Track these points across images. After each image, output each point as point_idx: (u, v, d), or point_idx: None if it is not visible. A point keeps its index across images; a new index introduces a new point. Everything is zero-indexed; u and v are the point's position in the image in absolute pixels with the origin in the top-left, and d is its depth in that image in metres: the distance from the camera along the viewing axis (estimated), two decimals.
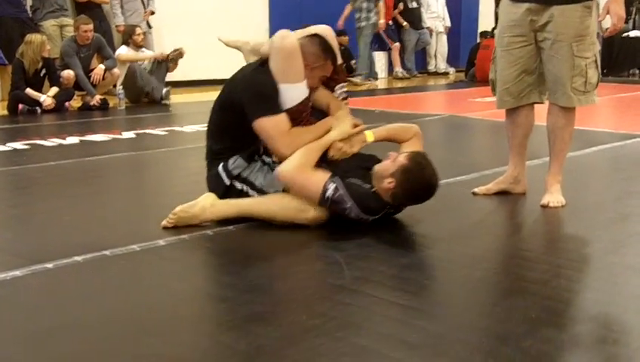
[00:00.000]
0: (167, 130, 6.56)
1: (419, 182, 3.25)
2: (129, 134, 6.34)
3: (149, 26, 10.42)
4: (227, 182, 3.44)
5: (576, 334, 2.21)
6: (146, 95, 8.93)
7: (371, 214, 3.28)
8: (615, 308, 2.43)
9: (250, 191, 3.42)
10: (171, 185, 4.45)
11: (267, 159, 3.49)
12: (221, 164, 3.45)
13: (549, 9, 3.65)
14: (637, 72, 15.12)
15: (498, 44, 3.90)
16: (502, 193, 3.96)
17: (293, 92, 3.36)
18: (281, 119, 3.32)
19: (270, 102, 3.32)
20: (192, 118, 7.31)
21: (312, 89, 3.49)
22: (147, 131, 6.49)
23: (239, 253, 3.06)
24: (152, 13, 10.46)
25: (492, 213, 3.33)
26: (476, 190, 3.99)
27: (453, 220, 3.43)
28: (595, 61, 3.72)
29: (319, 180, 3.25)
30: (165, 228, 3.26)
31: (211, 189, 3.48)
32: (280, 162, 3.36)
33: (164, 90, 8.85)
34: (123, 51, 9.14)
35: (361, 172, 3.38)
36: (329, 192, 3.22)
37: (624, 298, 2.53)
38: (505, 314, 2.36)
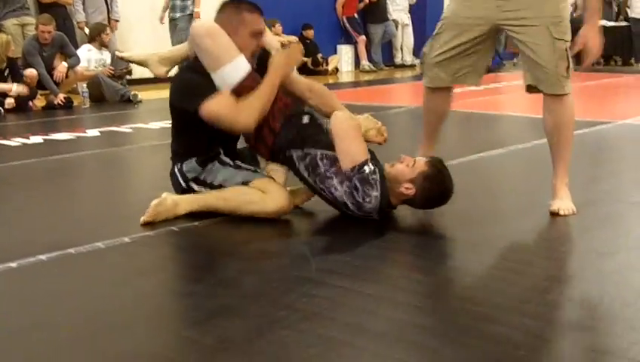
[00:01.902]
0: (132, 128, 6.52)
1: (439, 189, 3.23)
2: (94, 132, 6.28)
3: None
4: (183, 184, 3.43)
5: (540, 318, 2.23)
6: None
7: (381, 212, 3.25)
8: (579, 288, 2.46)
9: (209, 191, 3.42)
10: (137, 183, 4.43)
11: (226, 159, 3.46)
12: (177, 166, 3.44)
13: None
14: (601, 60, 15.29)
15: (446, 21, 3.60)
16: None
17: (232, 71, 3.25)
18: (223, 96, 3.21)
19: (201, 90, 3.22)
20: (157, 114, 7.25)
21: (254, 52, 3.37)
22: (112, 129, 6.43)
23: (205, 248, 3.06)
24: (116, 21, 10.40)
25: (452, 203, 3.34)
26: None
27: (416, 212, 3.43)
28: (567, 50, 3.39)
29: (363, 151, 3.22)
30: (146, 223, 3.23)
31: (173, 187, 3.48)
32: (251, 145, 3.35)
33: (132, 93, 8.71)
34: (84, 51, 9.00)
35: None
36: (368, 169, 3.16)
37: (588, 281, 2.56)
38: (470, 302, 2.37)
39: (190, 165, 3.41)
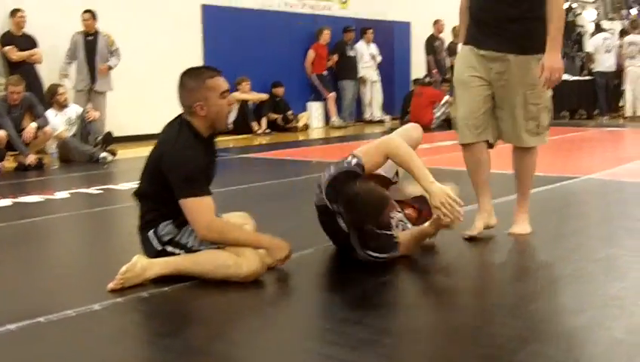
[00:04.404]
0: (101, 189, 6.49)
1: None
2: (63, 194, 6.25)
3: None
4: (158, 247, 3.44)
5: None
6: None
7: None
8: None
9: (183, 254, 3.42)
10: (106, 246, 4.41)
11: None
12: (152, 230, 3.45)
13: (505, 58, 3.99)
14: (567, 114, 15.59)
15: (457, 84, 4.18)
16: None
17: None
18: (204, 202, 3.33)
19: (194, 183, 3.33)
20: (127, 175, 7.24)
21: (228, 113, 3.51)
22: (81, 190, 6.41)
23: (175, 314, 3.05)
24: (109, 68, 10.37)
25: (423, 258, 3.36)
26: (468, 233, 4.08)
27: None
28: (547, 106, 4.11)
29: None
30: (113, 290, 3.21)
31: (145, 251, 3.47)
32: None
33: (101, 155, 8.71)
34: (51, 116, 8.94)
35: None
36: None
37: (554, 340, 2.59)
38: None
39: (167, 228, 3.43)
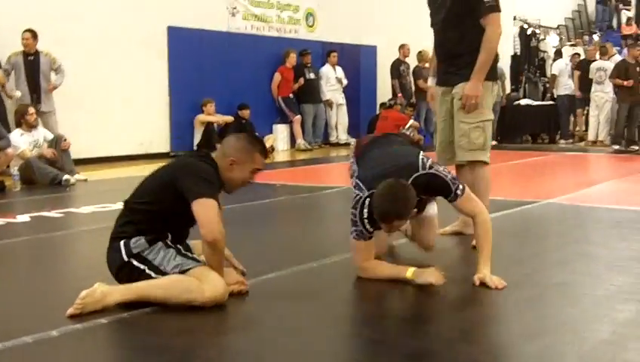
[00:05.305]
0: (63, 212, 6.45)
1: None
2: (24, 218, 6.20)
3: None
4: (125, 258, 3.46)
5: None
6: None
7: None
8: None
9: (148, 270, 3.43)
10: (66, 271, 4.38)
11: (170, 244, 3.52)
12: (123, 241, 3.48)
13: (452, 89, 4.78)
14: (529, 138, 15.80)
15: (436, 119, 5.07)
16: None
17: None
18: (217, 208, 3.42)
19: (212, 187, 3.45)
20: (88, 198, 7.21)
21: (243, 185, 3.68)
22: (43, 214, 6.36)
23: (133, 341, 3.04)
24: (55, 87, 10.19)
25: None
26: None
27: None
28: (479, 126, 4.68)
29: None
30: (72, 316, 3.19)
31: (108, 262, 3.51)
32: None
33: (64, 178, 8.64)
34: (17, 136, 8.90)
35: None
36: None
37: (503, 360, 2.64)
38: None
39: (139, 242, 3.46)
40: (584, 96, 14.77)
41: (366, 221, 3.73)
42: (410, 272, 3.69)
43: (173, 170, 3.57)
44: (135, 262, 3.45)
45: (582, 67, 14.93)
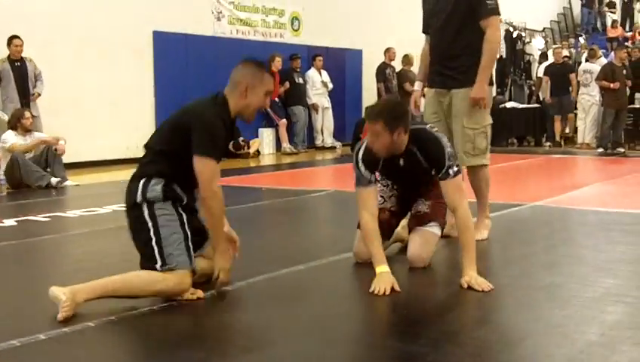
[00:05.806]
0: (49, 216, 6.41)
1: None
2: (10, 222, 6.16)
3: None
4: (139, 199, 3.53)
5: None
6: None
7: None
8: None
9: (152, 234, 3.48)
10: (53, 275, 4.34)
11: (180, 210, 3.58)
12: (143, 180, 3.56)
13: (450, 92, 4.85)
14: (515, 141, 15.85)
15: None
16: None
17: None
18: (217, 167, 3.56)
19: (215, 147, 3.54)
20: (75, 202, 7.18)
21: (260, 108, 3.79)
22: (29, 218, 6.32)
23: (122, 344, 3.05)
24: (39, 95, 10.17)
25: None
26: None
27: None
28: (483, 131, 4.85)
29: None
30: (66, 319, 3.17)
31: (125, 199, 3.62)
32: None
33: (55, 180, 8.59)
34: (10, 136, 8.89)
35: None
36: None
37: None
38: None
39: (155, 186, 3.53)
40: (554, 101, 14.75)
41: (361, 162, 3.86)
42: (379, 269, 3.71)
43: (190, 117, 3.62)
44: (145, 212, 3.52)
45: (550, 72, 14.96)
